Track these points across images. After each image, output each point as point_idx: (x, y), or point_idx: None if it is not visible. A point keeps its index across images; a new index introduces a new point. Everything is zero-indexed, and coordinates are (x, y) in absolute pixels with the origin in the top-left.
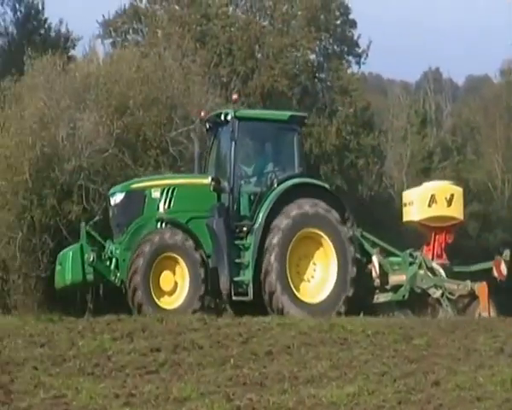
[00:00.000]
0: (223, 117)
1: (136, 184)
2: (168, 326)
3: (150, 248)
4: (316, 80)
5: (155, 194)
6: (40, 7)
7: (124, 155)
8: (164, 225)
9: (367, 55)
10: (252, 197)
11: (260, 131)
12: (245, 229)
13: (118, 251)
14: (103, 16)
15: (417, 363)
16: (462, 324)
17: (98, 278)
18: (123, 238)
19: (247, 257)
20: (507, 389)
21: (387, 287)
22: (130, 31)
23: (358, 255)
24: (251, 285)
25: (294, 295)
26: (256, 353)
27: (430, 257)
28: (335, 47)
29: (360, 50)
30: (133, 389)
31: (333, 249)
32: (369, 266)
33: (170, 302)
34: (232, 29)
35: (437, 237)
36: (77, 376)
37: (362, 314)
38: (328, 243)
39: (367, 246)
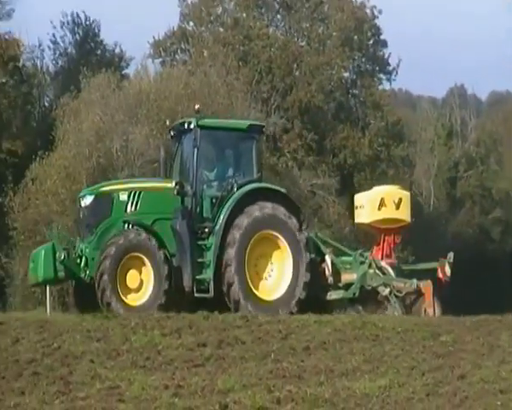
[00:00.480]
0: (186, 125)
1: (105, 188)
2: (213, 323)
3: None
4: (349, 96)
5: (123, 197)
6: (97, 30)
7: (171, 167)
8: (130, 226)
9: (397, 72)
10: (213, 200)
11: (221, 138)
12: (206, 230)
13: (87, 250)
14: (154, 38)
15: (444, 358)
16: (485, 322)
17: (69, 275)
18: (92, 238)
19: (209, 256)
20: None
21: (340, 285)
22: (179, 51)
23: (313, 255)
24: (212, 283)
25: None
26: (294, 348)
27: (380, 257)
28: (367, 65)
29: (391, 68)
30: (181, 381)
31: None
32: (323, 265)
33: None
34: (272, 49)
35: (386, 237)
36: (130, 368)
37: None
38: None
39: (321, 246)
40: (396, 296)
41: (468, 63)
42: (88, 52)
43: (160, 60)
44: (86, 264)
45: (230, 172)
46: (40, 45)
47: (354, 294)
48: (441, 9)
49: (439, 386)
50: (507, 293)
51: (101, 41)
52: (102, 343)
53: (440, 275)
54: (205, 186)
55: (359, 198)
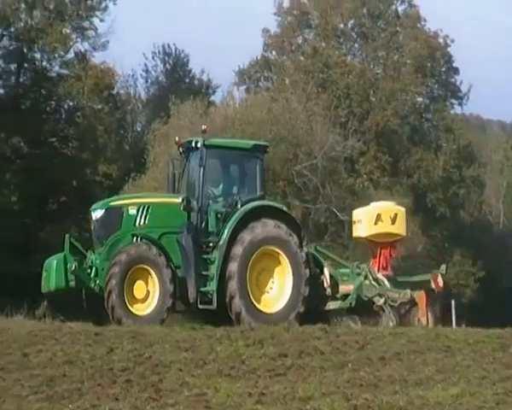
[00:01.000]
0: (193, 144)
1: (115, 202)
2: (294, 335)
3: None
4: (423, 120)
5: (132, 211)
6: (185, 59)
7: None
8: (138, 239)
9: (468, 97)
10: (218, 216)
11: (226, 157)
12: (211, 244)
13: (97, 261)
14: (239, 66)
15: None
16: None
17: (79, 284)
18: (102, 250)
19: (213, 270)
20: None
21: (338, 295)
22: (262, 78)
23: (312, 266)
24: (215, 295)
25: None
26: (371, 358)
27: (376, 269)
28: (440, 91)
29: (462, 94)
30: (264, 389)
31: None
32: (322, 277)
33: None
34: (350, 76)
35: (382, 251)
36: (216, 377)
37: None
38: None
39: (320, 259)
40: (391, 306)
41: None
42: (177, 80)
43: (245, 87)
44: (96, 274)
45: (235, 189)
46: (133, 74)
47: (351, 304)
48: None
49: (509, 395)
50: None
51: (190, 70)
52: (190, 353)
53: (433, 286)
54: (210, 202)
55: (357, 214)
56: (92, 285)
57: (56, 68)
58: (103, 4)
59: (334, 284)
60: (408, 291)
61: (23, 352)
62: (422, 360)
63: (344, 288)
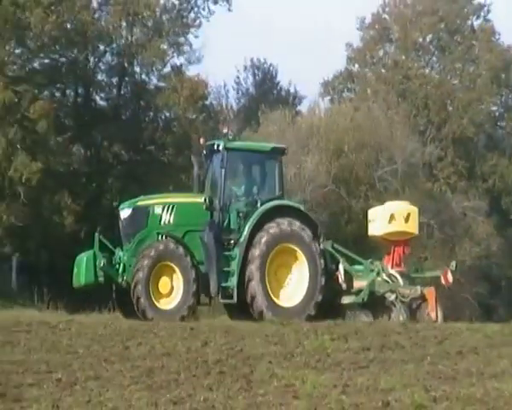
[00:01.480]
0: (215, 147)
1: (142, 202)
2: (376, 329)
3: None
4: (497, 128)
5: (158, 210)
6: (274, 72)
7: (339, 189)
8: (164, 237)
9: None
10: (239, 215)
11: (246, 159)
12: (232, 242)
13: (125, 257)
14: (323, 78)
15: None
16: None
17: (108, 280)
18: (129, 247)
19: (233, 266)
20: None
21: (352, 290)
22: (345, 90)
23: (329, 263)
24: (235, 290)
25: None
26: (449, 352)
27: (390, 266)
28: None
29: None
30: (348, 381)
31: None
32: (337, 273)
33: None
34: (428, 87)
35: (396, 248)
36: (303, 369)
37: None
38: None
39: (336, 255)
40: (402, 302)
41: None
42: (266, 91)
43: (329, 98)
44: (124, 270)
45: (255, 189)
46: (225, 86)
47: (363, 299)
48: None
49: None
50: None
51: (278, 82)
52: (279, 346)
53: (443, 282)
54: (232, 202)
55: (372, 213)
56: (120, 280)
57: (154, 81)
58: (197, 21)
59: (349, 279)
60: (418, 287)
61: (124, 345)
62: (498, 354)
63: (358, 283)
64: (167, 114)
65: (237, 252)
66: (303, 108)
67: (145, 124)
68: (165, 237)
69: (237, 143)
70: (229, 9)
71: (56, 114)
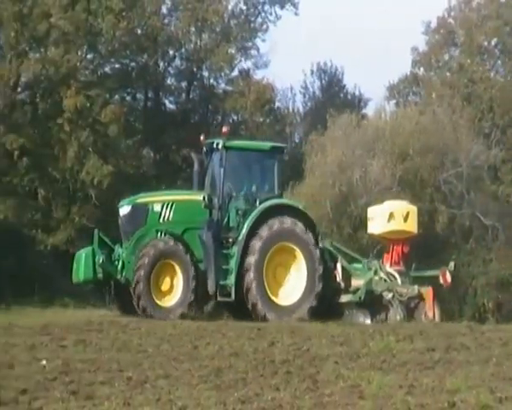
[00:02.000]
0: (215, 145)
1: (141, 199)
2: (441, 331)
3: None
4: None
5: (157, 208)
6: (340, 76)
7: (405, 192)
8: (162, 234)
9: None
10: (238, 213)
11: (246, 158)
12: (231, 240)
13: (124, 254)
14: (389, 82)
15: None
16: None
17: (107, 276)
18: (128, 244)
19: (232, 264)
20: None
21: (350, 289)
22: (411, 93)
23: (328, 262)
24: (233, 288)
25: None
26: None
27: (389, 264)
28: None
29: None
30: (414, 382)
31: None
32: (335, 272)
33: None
34: (493, 90)
35: (395, 247)
36: (368, 370)
37: None
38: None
39: (335, 254)
40: (399, 301)
41: None
42: (333, 95)
43: (394, 101)
44: (123, 266)
45: (254, 188)
46: (292, 90)
47: (360, 298)
48: None
49: None
50: None
51: (344, 85)
52: (345, 347)
53: (442, 281)
54: (230, 200)
55: (371, 211)
56: (119, 277)
57: (222, 85)
58: (264, 26)
59: (348, 278)
60: (415, 287)
61: (193, 344)
62: None
63: (356, 282)
64: (235, 118)
65: (236, 250)
66: (368, 111)
67: (213, 127)
68: (165, 235)
69: (236, 142)
70: (296, 13)
71: (127, 117)
